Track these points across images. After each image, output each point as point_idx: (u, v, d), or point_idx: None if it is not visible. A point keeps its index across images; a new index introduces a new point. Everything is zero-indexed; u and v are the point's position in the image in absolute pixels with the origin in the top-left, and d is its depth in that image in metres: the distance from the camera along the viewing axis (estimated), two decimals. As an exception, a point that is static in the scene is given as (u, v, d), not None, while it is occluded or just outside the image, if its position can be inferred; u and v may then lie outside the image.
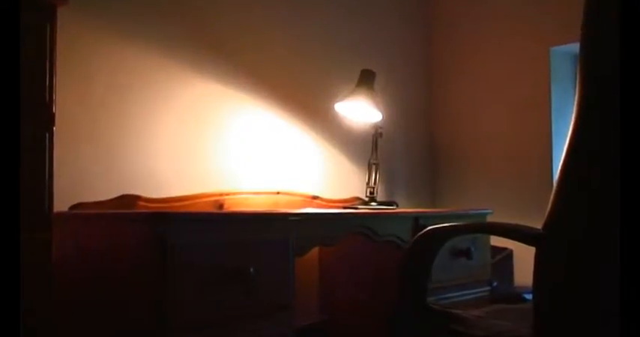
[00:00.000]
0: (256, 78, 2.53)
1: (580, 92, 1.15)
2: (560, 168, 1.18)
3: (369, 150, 2.60)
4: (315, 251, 2.44)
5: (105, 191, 2.05)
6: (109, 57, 2.13)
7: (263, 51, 2.57)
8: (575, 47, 1.23)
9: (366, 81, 2.53)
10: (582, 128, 1.14)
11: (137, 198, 2.10)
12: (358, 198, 2.73)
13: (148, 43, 2.23)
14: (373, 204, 2.50)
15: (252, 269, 1.66)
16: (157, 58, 2.25)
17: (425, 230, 1.42)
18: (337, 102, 2.56)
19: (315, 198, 2.62)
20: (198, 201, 2.25)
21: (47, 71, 1.47)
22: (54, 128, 1.48)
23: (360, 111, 2.56)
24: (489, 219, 2.43)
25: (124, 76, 2.16)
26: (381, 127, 2.61)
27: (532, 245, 1.22)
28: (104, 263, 1.69)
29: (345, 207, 2.53)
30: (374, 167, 2.58)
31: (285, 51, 2.66)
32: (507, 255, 2.82)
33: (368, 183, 2.57)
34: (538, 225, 1.22)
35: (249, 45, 2.52)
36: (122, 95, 2.15)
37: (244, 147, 2.48)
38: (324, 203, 2.64)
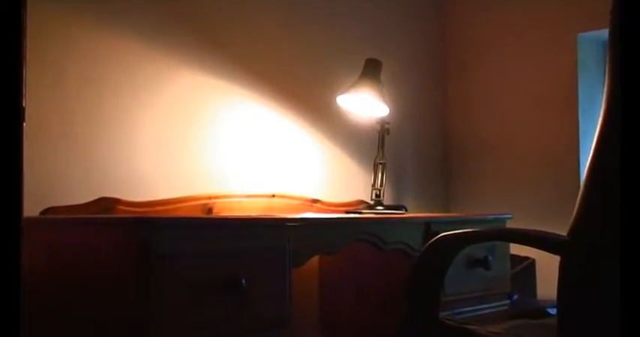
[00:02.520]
0: (250, 69, 2.53)
1: (609, 84, 1.16)
2: (587, 168, 1.18)
3: (375, 148, 2.61)
4: (314, 260, 2.44)
5: (80, 193, 2.05)
6: (85, 45, 2.13)
7: (258, 39, 2.57)
8: (605, 33, 1.23)
9: (371, 71, 2.53)
10: (612, 124, 1.14)
11: (117, 201, 2.10)
12: (363, 202, 2.73)
13: (131, 30, 2.23)
14: (379, 208, 2.51)
15: (244, 281, 1.66)
16: (140, 46, 2.25)
17: (437, 237, 1.43)
18: (339, 94, 2.56)
19: (314, 201, 2.63)
20: (184, 204, 2.25)
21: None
22: (24, 124, 1.48)
23: (365, 105, 2.56)
24: (509, 224, 2.44)
25: (103, 66, 2.16)
26: (388, 123, 2.61)
27: (556, 253, 1.22)
28: (79, 274, 1.69)
29: (348, 212, 2.53)
30: (380, 167, 2.58)
31: (282, 38, 2.66)
32: (529, 265, 2.82)
33: (374, 185, 2.57)
34: (563, 231, 1.22)
35: (243, 32, 2.53)
36: (100, 88, 2.15)
37: (236, 146, 2.49)
38: (324, 207, 2.64)
